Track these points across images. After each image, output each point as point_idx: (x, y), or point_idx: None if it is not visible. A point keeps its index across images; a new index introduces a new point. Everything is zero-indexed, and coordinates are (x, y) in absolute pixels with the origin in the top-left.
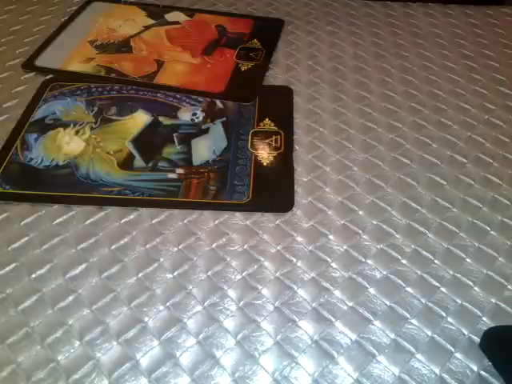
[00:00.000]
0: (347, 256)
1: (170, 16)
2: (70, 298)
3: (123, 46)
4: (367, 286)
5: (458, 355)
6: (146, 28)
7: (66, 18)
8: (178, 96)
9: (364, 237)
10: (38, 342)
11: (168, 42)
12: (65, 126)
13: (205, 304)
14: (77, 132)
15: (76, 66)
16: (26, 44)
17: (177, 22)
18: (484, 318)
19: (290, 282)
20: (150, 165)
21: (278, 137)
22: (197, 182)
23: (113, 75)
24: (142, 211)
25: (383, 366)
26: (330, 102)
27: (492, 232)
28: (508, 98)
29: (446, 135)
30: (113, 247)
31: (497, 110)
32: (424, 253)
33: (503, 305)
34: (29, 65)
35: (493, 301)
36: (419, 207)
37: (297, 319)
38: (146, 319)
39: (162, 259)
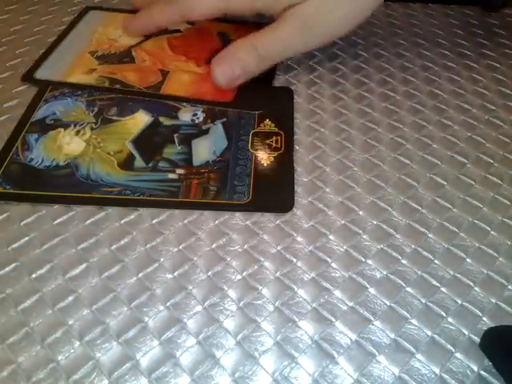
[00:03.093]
0: (347, 256)
1: None
2: (70, 298)
3: (125, 57)
4: (367, 285)
5: (458, 355)
6: (147, 37)
7: (64, 27)
8: None
9: (364, 237)
10: (38, 342)
11: (170, 51)
12: (65, 126)
13: (205, 304)
14: (77, 132)
15: (78, 78)
16: (27, 44)
17: (178, 30)
18: (484, 318)
19: (290, 282)
20: (150, 165)
21: (279, 137)
22: (197, 182)
23: (117, 86)
24: (143, 211)
25: (383, 365)
26: (330, 103)
27: (492, 232)
28: (508, 99)
29: (447, 135)
30: (113, 247)
31: (497, 110)
32: (424, 253)
33: (503, 305)
34: (29, 78)
35: (493, 301)
36: (419, 207)
37: (297, 319)
38: (146, 319)
39: (162, 259)
